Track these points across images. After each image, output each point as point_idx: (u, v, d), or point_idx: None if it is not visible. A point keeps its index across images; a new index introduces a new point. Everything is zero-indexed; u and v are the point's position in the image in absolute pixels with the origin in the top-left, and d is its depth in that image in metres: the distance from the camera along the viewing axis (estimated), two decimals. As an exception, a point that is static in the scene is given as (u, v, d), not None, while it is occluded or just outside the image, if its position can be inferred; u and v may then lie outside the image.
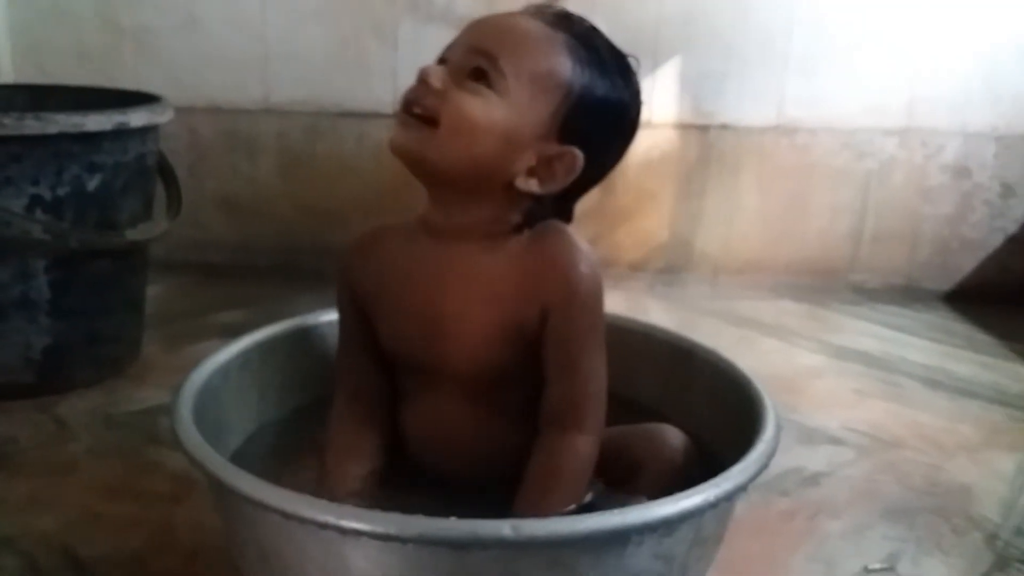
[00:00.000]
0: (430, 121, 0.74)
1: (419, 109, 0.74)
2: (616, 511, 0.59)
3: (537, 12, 0.79)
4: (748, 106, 1.85)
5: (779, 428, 0.75)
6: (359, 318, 0.86)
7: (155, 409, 1.23)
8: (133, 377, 1.36)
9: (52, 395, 1.26)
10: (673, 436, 0.83)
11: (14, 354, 1.23)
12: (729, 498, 0.65)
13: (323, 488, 0.79)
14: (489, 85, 0.74)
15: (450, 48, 0.78)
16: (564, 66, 0.75)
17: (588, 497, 0.80)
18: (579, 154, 0.77)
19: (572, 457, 0.77)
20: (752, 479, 0.67)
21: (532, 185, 0.77)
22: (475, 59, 0.74)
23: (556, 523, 0.59)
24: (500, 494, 0.76)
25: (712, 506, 0.63)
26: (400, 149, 0.76)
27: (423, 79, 0.74)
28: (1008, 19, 1.80)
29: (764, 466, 0.69)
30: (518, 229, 0.79)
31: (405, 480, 0.83)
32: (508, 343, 0.78)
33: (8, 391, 1.24)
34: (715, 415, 0.89)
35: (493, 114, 0.74)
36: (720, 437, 0.87)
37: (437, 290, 0.79)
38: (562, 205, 0.82)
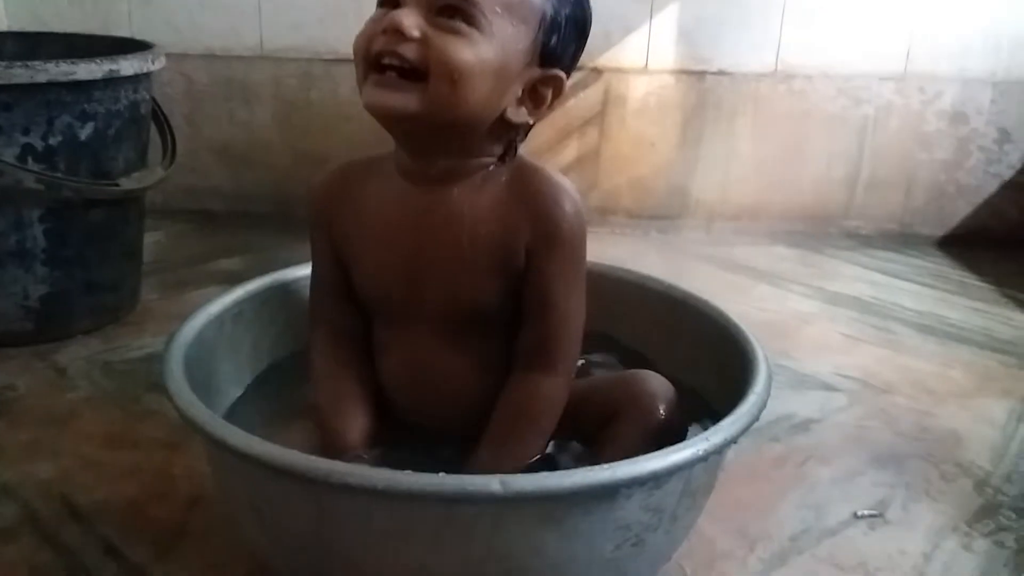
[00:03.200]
0: (412, 74, 0.69)
1: (396, 61, 0.69)
2: (606, 466, 0.60)
3: None
4: (745, 52, 1.84)
5: (770, 380, 0.76)
6: (335, 259, 0.84)
7: (153, 356, 1.24)
8: (132, 324, 1.37)
9: (51, 342, 1.27)
10: (653, 382, 0.81)
11: (12, 302, 1.24)
12: (719, 451, 0.66)
13: (326, 447, 0.78)
14: (467, 22, 0.69)
15: None
16: None
17: (549, 448, 0.80)
18: (563, 75, 0.76)
19: (540, 398, 0.77)
20: (742, 432, 0.68)
21: (523, 115, 0.75)
22: None
23: (545, 478, 0.59)
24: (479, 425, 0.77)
25: (702, 460, 0.63)
26: (384, 111, 0.71)
27: (395, 28, 0.68)
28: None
29: (755, 418, 0.70)
30: (499, 161, 0.77)
31: (387, 428, 0.82)
32: (492, 280, 0.77)
33: (7, 339, 1.25)
34: (707, 363, 0.90)
35: (482, 54, 0.69)
36: (712, 385, 0.88)
37: (419, 232, 0.77)
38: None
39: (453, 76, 0.69)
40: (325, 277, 0.86)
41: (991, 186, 1.91)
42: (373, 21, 0.72)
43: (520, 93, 0.74)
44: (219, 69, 1.85)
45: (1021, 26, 1.82)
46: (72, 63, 1.15)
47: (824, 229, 1.94)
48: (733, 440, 0.67)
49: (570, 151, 1.88)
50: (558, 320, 0.77)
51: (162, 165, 1.37)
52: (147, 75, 1.30)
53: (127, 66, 1.22)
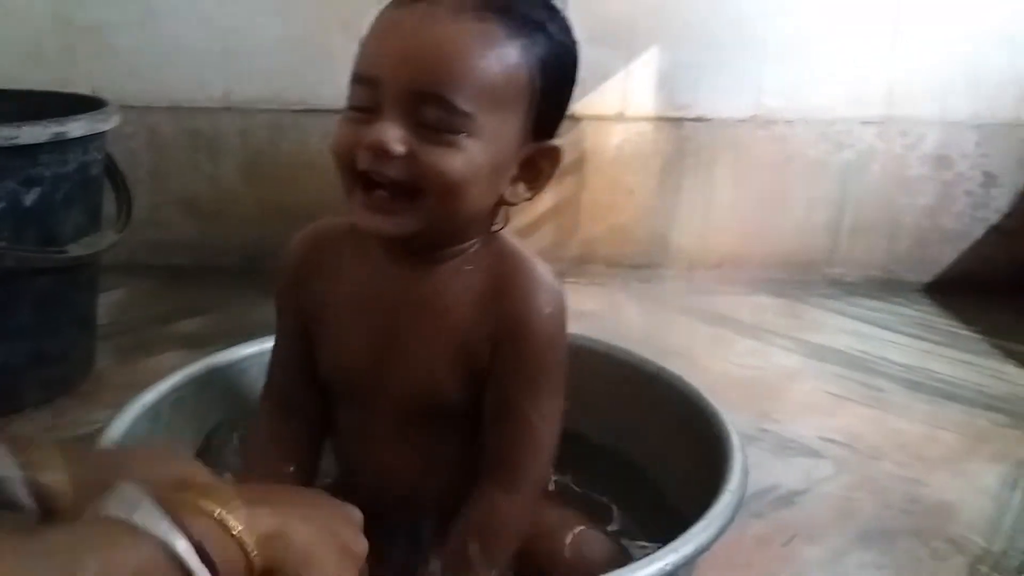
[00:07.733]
0: (403, 191, 0.63)
1: (386, 181, 0.63)
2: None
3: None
4: (724, 98, 1.80)
5: (746, 475, 0.70)
6: (298, 330, 0.77)
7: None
8: (85, 395, 1.30)
9: (-1, 417, 1.21)
10: (598, 550, 0.76)
11: (-45, 377, 1.18)
12: (690, 562, 0.60)
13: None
14: (453, 128, 0.62)
15: (369, 83, 0.64)
16: (517, 66, 0.64)
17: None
18: (559, 145, 0.69)
19: (497, 522, 0.71)
20: (715, 539, 0.62)
21: (521, 194, 0.69)
22: (422, 102, 0.62)
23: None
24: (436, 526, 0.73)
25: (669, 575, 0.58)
26: (381, 235, 0.67)
27: (378, 145, 0.61)
28: (988, 5, 1.75)
29: (729, 520, 0.65)
30: (487, 235, 0.71)
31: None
32: (455, 374, 0.71)
33: (-49, 414, 1.19)
34: (680, 447, 0.85)
35: (476, 160, 0.63)
36: (684, 471, 0.82)
37: (389, 314, 0.72)
38: None
39: (448, 190, 0.63)
40: (283, 347, 0.81)
41: (977, 231, 1.87)
42: (350, 124, 0.65)
43: (515, 171, 0.68)
44: (184, 121, 1.80)
45: (1004, 67, 1.78)
46: (16, 127, 1.09)
47: (807, 277, 1.89)
48: (705, 548, 0.62)
49: (548, 199, 1.83)
50: (522, 433, 0.71)
51: (115, 228, 1.31)
52: (99, 135, 1.24)
53: (76, 127, 1.16)
